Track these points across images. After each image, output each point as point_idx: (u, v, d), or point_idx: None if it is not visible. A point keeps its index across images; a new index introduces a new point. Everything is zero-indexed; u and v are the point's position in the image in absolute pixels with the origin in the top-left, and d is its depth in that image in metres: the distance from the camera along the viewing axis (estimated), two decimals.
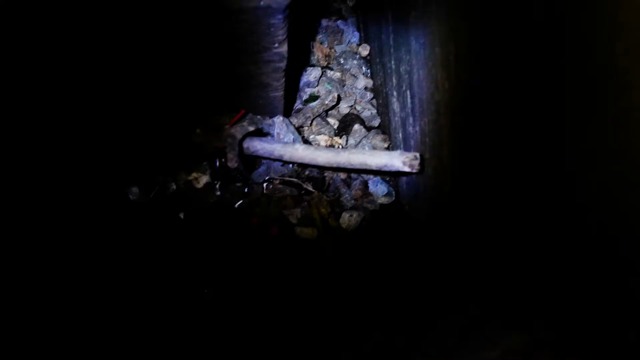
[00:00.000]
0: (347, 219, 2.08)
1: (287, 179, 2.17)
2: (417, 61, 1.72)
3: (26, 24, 1.63)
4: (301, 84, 2.57)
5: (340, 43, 2.81)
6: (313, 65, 2.64)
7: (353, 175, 2.25)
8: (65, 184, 1.91)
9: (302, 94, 2.53)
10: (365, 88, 2.59)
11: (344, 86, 2.60)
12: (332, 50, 2.77)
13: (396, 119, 2.10)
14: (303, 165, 2.20)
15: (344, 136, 2.38)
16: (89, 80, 1.94)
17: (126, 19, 1.83)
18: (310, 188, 2.16)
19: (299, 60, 2.58)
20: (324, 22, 2.86)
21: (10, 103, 1.67)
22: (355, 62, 2.70)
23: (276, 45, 1.99)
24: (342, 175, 2.24)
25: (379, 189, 2.19)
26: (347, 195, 2.18)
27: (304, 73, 2.58)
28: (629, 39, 0.70)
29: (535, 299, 1.12)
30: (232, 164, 2.01)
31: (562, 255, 0.99)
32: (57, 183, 1.87)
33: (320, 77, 2.59)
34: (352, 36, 2.81)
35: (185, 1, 1.84)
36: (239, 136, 2.00)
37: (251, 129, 2.04)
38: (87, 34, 1.81)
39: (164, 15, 1.86)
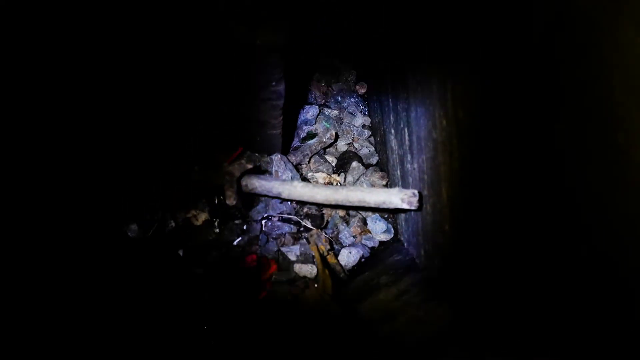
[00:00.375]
0: (346, 255, 2.08)
1: (286, 216, 2.17)
2: (414, 99, 1.73)
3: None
4: (299, 121, 2.58)
5: (337, 81, 2.84)
6: (311, 103, 2.66)
7: (351, 212, 2.25)
8: (64, 222, 1.91)
9: (300, 131, 2.55)
10: (363, 126, 2.61)
11: (341, 124, 2.62)
12: (330, 88, 2.80)
13: (394, 156, 2.11)
14: (302, 203, 2.20)
15: (342, 173, 2.38)
16: (89, 119, 1.95)
17: (127, 56, 1.85)
18: (309, 225, 2.15)
19: (297, 98, 2.61)
20: (322, 60, 2.89)
21: (14, 142, 1.68)
22: (352, 100, 2.73)
23: (274, 83, 2.01)
24: (341, 213, 2.24)
25: (377, 225, 2.19)
26: (345, 232, 2.18)
27: (301, 111, 2.60)
28: (625, 79, 0.71)
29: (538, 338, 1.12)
30: (231, 201, 2.01)
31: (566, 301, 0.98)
32: (55, 220, 1.87)
33: (318, 114, 2.61)
34: (349, 74, 2.84)
35: (184, 40, 1.87)
36: (237, 174, 2.00)
37: (249, 166, 2.04)
38: (88, 73, 1.83)
39: (164, 56, 1.88)
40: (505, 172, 1.15)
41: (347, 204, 1.95)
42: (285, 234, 2.12)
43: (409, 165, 1.89)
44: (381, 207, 1.88)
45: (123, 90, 1.97)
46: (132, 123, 2.09)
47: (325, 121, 2.57)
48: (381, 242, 2.18)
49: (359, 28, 2.65)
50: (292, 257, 2.06)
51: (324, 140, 2.45)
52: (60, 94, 1.83)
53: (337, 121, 2.62)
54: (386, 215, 2.23)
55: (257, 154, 2.29)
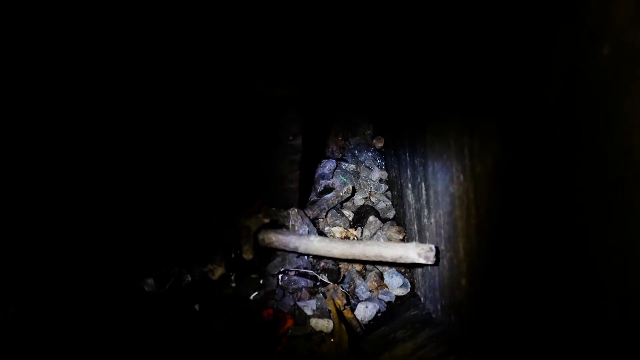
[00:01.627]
0: (363, 310, 2.06)
1: (303, 270, 2.17)
2: (431, 153, 1.74)
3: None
4: (316, 175, 2.60)
5: (355, 135, 2.86)
6: (328, 157, 2.68)
7: (368, 266, 2.24)
8: (80, 277, 1.92)
9: (317, 185, 2.56)
10: (380, 180, 2.62)
11: (358, 178, 2.63)
12: (347, 142, 2.82)
13: (411, 210, 2.10)
14: (318, 257, 2.19)
15: (359, 228, 2.38)
16: (107, 174, 1.98)
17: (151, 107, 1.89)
18: (325, 279, 2.14)
19: (314, 153, 2.63)
20: (339, 115, 2.92)
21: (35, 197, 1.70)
22: (369, 153, 2.74)
23: (291, 137, 2.03)
24: (358, 267, 2.23)
25: (394, 280, 2.17)
26: (362, 287, 2.16)
27: (319, 165, 2.62)
28: None
29: None
30: (248, 255, 2.01)
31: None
32: (71, 274, 1.88)
33: (335, 168, 2.62)
34: (366, 128, 2.86)
35: (201, 95, 1.90)
36: (254, 228, 2.01)
37: (266, 220, 2.05)
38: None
39: (186, 107, 1.92)
40: (523, 229, 1.14)
41: (364, 259, 1.94)
42: (301, 289, 2.11)
43: (425, 220, 1.89)
44: (398, 261, 1.87)
45: (142, 144, 2.00)
46: (152, 177, 2.12)
47: (342, 175, 2.59)
48: (398, 297, 2.16)
49: (376, 83, 2.68)
50: (309, 312, 2.04)
51: (341, 194, 2.45)
52: (80, 140, 1.86)
53: (354, 175, 2.63)
54: (403, 270, 2.22)
55: (274, 208, 2.30)
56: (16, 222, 1.61)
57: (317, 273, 2.16)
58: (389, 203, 2.53)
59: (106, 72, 1.79)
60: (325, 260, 2.20)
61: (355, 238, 2.33)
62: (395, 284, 2.16)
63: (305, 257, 2.20)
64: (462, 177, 1.46)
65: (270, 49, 1.90)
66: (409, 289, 2.17)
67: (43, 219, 1.75)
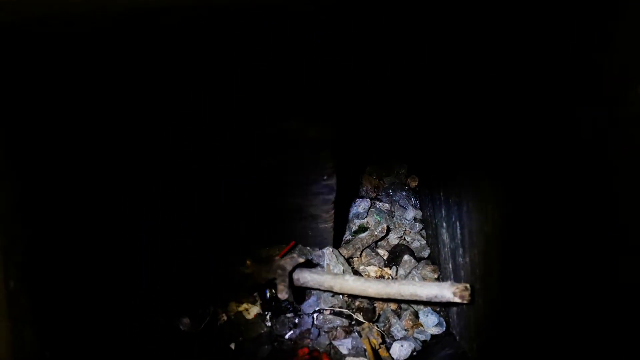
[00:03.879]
0: (398, 349, 2.04)
1: (338, 309, 2.17)
2: (466, 194, 1.75)
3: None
4: (350, 215, 2.61)
5: (389, 174, 2.87)
6: (362, 197, 2.69)
7: (403, 305, 2.23)
8: (118, 317, 1.95)
9: (351, 225, 2.58)
10: (415, 219, 2.62)
11: (393, 217, 2.64)
12: (381, 181, 2.84)
13: (446, 249, 2.10)
14: (353, 296, 2.19)
15: (394, 267, 2.38)
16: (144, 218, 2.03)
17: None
18: (360, 318, 2.14)
19: (348, 192, 2.65)
20: (373, 154, 2.95)
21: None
22: (404, 193, 2.75)
23: (325, 177, 2.05)
24: (393, 306, 2.22)
25: (429, 319, 2.15)
26: (397, 326, 2.15)
27: (353, 204, 2.64)
28: None
29: None
30: (283, 295, 2.02)
31: None
32: (109, 315, 1.91)
33: (369, 208, 2.64)
34: (400, 167, 2.87)
35: (237, 137, 1.94)
36: (289, 267, 2.02)
37: (301, 260, 2.06)
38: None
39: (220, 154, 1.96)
40: (560, 271, 1.14)
41: (399, 298, 1.94)
42: (336, 328, 2.11)
43: (460, 259, 1.89)
44: (433, 300, 1.87)
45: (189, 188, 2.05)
46: (187, 220, 2.16)
47: (377, 214, 2.60)
48: (433, 336, 2.14)
49: (411, 125, 2.70)
50: (344, 351, 2.04)
51: (376, 233, 2.46)
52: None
53: (389, 214, 2.64)
54: (438, 309, 2.20)
55: (308, 248, 2.32)
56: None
57: (352, 312, 2.16)
58: (424, 242, 2.53)
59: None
60: (360, 299, 2.20)
61: (390, 277, 2.33)
62: (431, 323, 2.15)
63: (340, 296, 2.20)
64: (496, 217, 1.47)
65: (306, 92, 1.94)
66: (445, 328, 2.15)
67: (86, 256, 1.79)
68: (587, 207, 0.98)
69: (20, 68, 1.30)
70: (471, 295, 1.76)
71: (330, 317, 2.15)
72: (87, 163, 1.71)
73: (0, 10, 1.02)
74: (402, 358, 2.04)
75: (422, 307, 2.22)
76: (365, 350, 2.02)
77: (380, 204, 2.70)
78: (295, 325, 2.13)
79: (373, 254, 2.43)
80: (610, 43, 0.86)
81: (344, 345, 2.05)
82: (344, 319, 2.14)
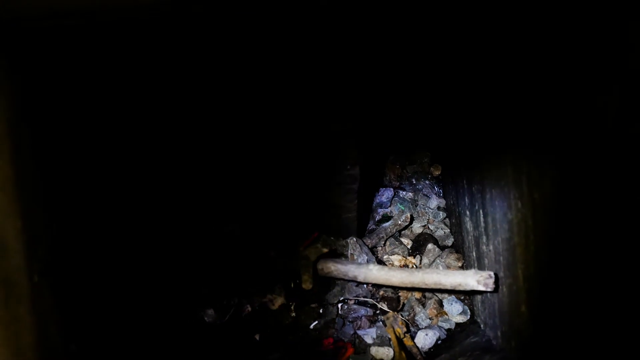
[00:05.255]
0: (423, 338, 2.04)
1: (362, 299, 2.17)
2: (489, 181, 1.74)
3: None
4: (374, 204, 2.61)
5: (412, 163, 2.86)
6: (385, 186, 2.69)
7: (427, 294, 2.23)
8: (143, 310, 1.97)
9: (375, 214, 2.57)
10: (438, 207, 2.61)
11: (416, 206, 2.63)
12: (404, 170, 2.83)
13: (469, 237, 2.09)
14: (377, 285, 2.19)
15: (418, 256, 2.37)
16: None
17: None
18: (385, 308, 2.14)
19: (372, 181, 2.64)
20: (396, 144, 2.93)
21: None
22: (427, 182, 2.74)
23: (348, 167, 2.05)
24: (417, 295, 2.22)
25: (453, 307, 2.15)
26: (422, 315, 2.15)
27: (376, 194, 2.63)
28: None
29: None
30: (307, 285, 2.03)
31: None
32: (134, 307, 1.93)
33: (393, 197, 2.63)
34: (423, 156, 2.86)
35: (264, 127, 1.95)
36: (313, 258, 2.03)
37: (325, 250, 2.07)
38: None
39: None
40: (583, 255, 1.13)
41: (423, 286, 1.94)
42: (361, 317, 2.11)
43: (484, 247, 1.88)
44: (457, 289, 1.86)
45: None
46: (216, 209, 2.17)
47: (400, 203, 2.59)
48: (457, 324, 2.13)
49: (434, 113, 2.69)
50: (369, 340, 2.04)
51: (399, 222, 2.46)
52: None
53: (412, 203, 2.63)
54: (462, 297, 2.19)
55: (332, 238, 2.32)
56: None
57: (376, 301, 2.16)
58: (447, 230, 2.52)
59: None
60: (384, 288, 2.20)
61: (414, 266, 2.32)
62: (455, 311, 2.14)
63: (365, 285, 2.20)
64: (520, 205, 1.45)
65: (329, 85, 1.94)
66: (469, 316, 2.14)
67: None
68: (616, 196, 0.97)
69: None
70: (495, 283, 1.75)
71: (355, 306, 2.15)
72: (107, 160, 1.73)
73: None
74: (427, 346, 2.04)
75: (446, 295, 2.21)
76: (389, 339, 2.02)
77: (404, 192, 2.69)
78: (320, 315, 2.14)
79: (397, 243, 2.42)
80: None
81: (369, 335, 2.05)
82: (368, 309, 2.14)
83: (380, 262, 2.36)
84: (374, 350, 2.00)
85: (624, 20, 0.86)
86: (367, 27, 1.83)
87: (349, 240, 2.29)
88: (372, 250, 2.38)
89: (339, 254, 2.27)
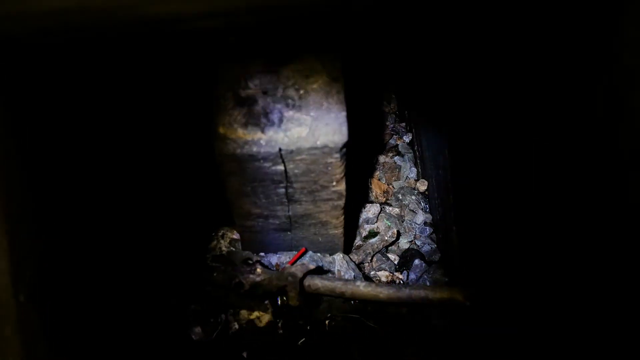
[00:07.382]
0: None
1: (349, 315, 2.16)
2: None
3: None
4: (360, 220, 2.61)
5: (398, 179, 2.87)
6: (371, 202, 2.69)
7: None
8: (131, 329, 1.95)
9: (361, 230, 2.57)
10: (425, 223, 2.62)
11: (403, 222, 2.63)
12: (390, 186, 2.83)
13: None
14: (365, 301, 2.19)
15: (405, 271, 2.38)
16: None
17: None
18: (372, 324, 2.14)
19: (358, 197, 2.64)
20: (381, 159, 2.94)
21: None
22: (413, 197, 2.74)
23: (334, 183, 2.04)
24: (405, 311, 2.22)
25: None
26: None
27: (362, 210, 2.63)
28: None
29: None
30: (294, 302, 2.02)
31: None
32: (123, 327, 1.91)
33: (379, 213, 2.63)
34: (409, 172, 2.87)
35: None
36: (300, 275, 2.02)
37: (312, 267, 2.06)
38: None
39: None
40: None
41: (410, 302, 1.94)
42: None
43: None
44: (445, 304, 1.87)
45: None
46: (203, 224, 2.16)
47: (387, 219, 2.59)
48: None
49: (420, 129, 2.70)
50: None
51: (386, 238, 2.46)
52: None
53: (399, 219, 2.64)
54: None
55: (319, 254, 2.31)
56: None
57: (364, 318, 2.16)
58: (434, 246, 2.53)
59: None
60: (372, 304, 2.20)
61: (401, 282, 2.33)
62: None
63: (352, 302, 2.20)
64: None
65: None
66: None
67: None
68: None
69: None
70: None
71: (343, 323, 2.15)
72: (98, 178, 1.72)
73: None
74: None
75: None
76: None
77: (390, 208, 2.69)
78: (308, 333, 2.13)
79: (384, 259, 2.43)
80: None
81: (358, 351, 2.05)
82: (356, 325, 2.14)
83: (368, 278, 2.35)
84: None
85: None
86: None
87: (335, 257, 2.29)
88: (359, 266, 2.37)
89: (326, 271, 2.26)
